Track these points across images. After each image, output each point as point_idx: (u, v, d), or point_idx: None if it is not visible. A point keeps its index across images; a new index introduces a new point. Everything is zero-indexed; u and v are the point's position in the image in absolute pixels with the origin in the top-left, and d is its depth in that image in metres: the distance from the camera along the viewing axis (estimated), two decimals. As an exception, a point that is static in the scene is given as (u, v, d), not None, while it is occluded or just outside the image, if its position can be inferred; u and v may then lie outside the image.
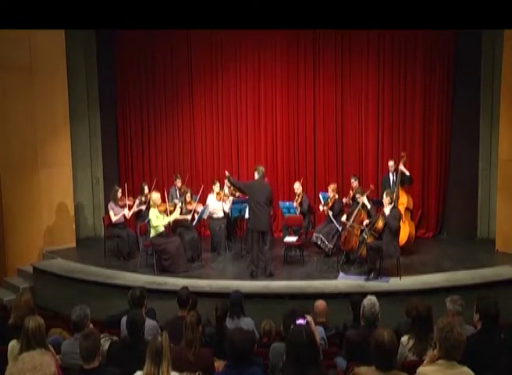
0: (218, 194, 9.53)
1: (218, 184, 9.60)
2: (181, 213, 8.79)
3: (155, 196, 8.34)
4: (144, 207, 9.35)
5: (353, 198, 8.74)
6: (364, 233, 7.85)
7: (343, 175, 10.43)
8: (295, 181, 9.79)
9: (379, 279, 7.55)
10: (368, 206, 8.32)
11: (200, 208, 9.07)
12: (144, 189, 9.58)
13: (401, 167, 8.90)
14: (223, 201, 9.52)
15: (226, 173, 8.45)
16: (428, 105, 10.11)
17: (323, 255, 8.85)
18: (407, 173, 9.00)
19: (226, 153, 11.00)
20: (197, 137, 11.07)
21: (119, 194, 9.33)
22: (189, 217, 8.93)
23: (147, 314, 5.08)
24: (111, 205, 9.29)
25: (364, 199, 8.34)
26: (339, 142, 10.55)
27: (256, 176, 8.06)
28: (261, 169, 8.09)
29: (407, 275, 7.69)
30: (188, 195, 9.22)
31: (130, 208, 9.35)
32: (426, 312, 4.21)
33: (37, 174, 9.43)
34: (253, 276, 7.91)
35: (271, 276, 7.92)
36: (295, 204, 9.20)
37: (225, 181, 9.81)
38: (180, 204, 8.91)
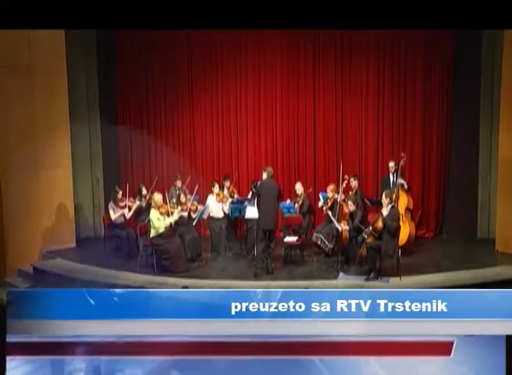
0: (218, 195, 9.53)
1: (216, 186, 9.61)
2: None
3: (157, 197, 8.32)
4: (137, 204, 9.32)
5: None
6: (364, 233, 7.86)
7: (343, 175, 10.41)
8: (295, 181, 9.80)
9: (379, 279, 7.56)
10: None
11: (195, 205, 9.09)
12: (141, 190, 9.56)
13: (400, 180, 8.91)
14: (223, 202, 9.52)
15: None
16: (428, 105, 10.11)
17: (323, 255, 8.85)
18: (406, 186, 9.03)
19: (226, 153, 10.98)
20: (197, 137, 11.06)
21: (120, 195, 9.32)
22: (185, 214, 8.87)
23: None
24: (111, 204, 9.29)
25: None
26: (339, 142, 10.55)
27: (264, 176, 8.24)
28: (269, 169, 8.34)
29: (407, 275, 7.68)
30: (182, 196, 9.10)
31: (130, 209, 9.34)
32: None
33: (36, 174, 9.41)
34: (256, 276, 7.92)
35: (272, 274, 8.01)
36: (296, 205, 9.22)
37: (224, 183, 9.87)
38: (178, 208, 8.79)
